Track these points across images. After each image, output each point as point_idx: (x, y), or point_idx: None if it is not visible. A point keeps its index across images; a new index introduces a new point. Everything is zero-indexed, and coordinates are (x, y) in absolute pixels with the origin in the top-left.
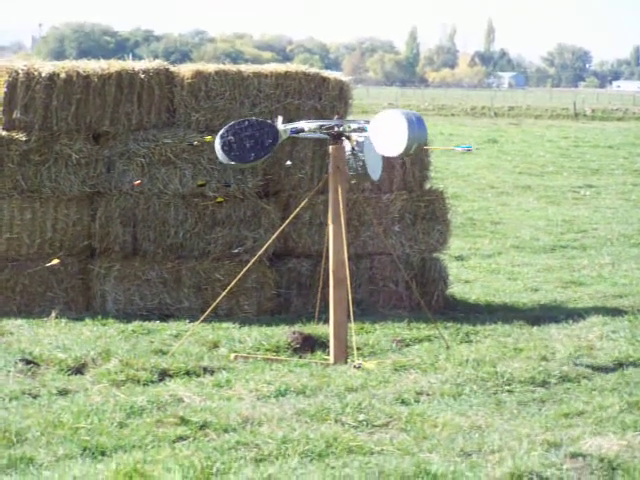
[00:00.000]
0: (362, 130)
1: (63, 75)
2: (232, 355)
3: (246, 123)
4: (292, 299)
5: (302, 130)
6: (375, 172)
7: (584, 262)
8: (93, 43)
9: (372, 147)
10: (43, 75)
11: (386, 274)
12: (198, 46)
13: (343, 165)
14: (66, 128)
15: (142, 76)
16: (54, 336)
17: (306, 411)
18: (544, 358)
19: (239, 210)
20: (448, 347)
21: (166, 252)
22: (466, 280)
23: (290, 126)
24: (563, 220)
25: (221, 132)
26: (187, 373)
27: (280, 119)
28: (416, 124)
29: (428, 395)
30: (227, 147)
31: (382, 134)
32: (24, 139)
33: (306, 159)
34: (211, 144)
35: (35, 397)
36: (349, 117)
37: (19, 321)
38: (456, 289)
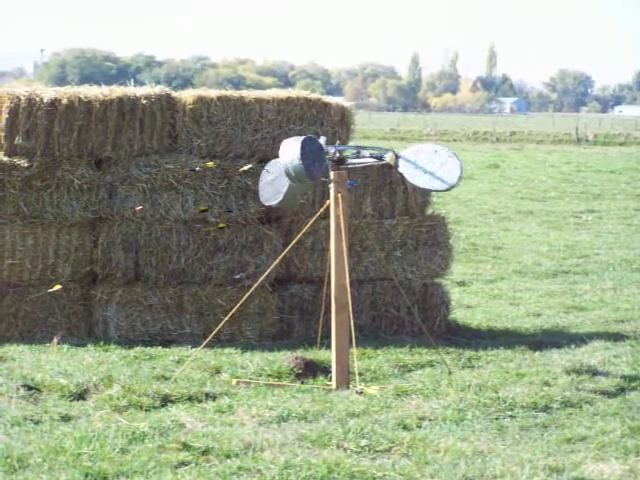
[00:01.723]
0: (379, 159)
1: (65, 101)
2: (234, 381)
3: (318, 142)
4: (294, 324)
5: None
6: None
7: (586, 287)
8: (95, 69)
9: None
10: (45, 101)
11: (388, 299)
12: (200, 72)
13: (345, 191)
14: (68, 154)
15: (144, 102)
16: (56, 362)
17: (308, 436)
18: (546, 383)
19: (241, 236)
20: (450, 372)
21: (168, 278)
22: (468, 305)
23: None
24: (565, 245)
25: (299, 147)
26: (189, 399)
27: (323, 139)
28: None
29: (430, 420)
30: (308, 162)
31: (426, 168)
32: (26, 165)
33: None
34: (217, 170)
35: (37, 423)
36: (351, 143)
37: (21, 347)
38: (458, 314)
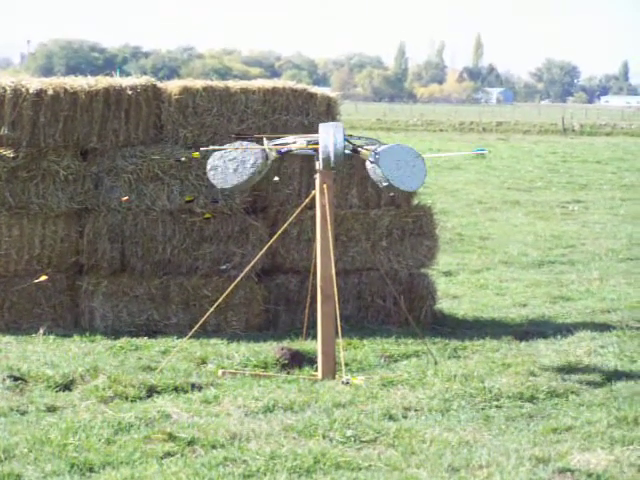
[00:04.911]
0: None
1: (50, 92)
2: (220, 371)
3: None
4: (280, 315)
5: (290, 151)
6: (404, 182)
7: (572, 277)
8: (81, 59)
9: (391, 156)
10: (31, 92)
11: (374, 290)
12: (186, 62)
13: (330, 181)
14: (54, 144)
15: (129, 92)
16: (42, 353)
17: (294, 427)
18: (532, 373)
19: (227, 226)
20: (436, 362)
21: (154, 268)
22: (454, 295)
23: (277, 142)
24: (551, 235)
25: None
26: (175, 389)
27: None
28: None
29: (416, 411)
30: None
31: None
32: (12, 155)
33: (294, 175)
34: (202, 161)
35: (23, 414)
36: None
37: (7, 338)
38: (444, 304)
